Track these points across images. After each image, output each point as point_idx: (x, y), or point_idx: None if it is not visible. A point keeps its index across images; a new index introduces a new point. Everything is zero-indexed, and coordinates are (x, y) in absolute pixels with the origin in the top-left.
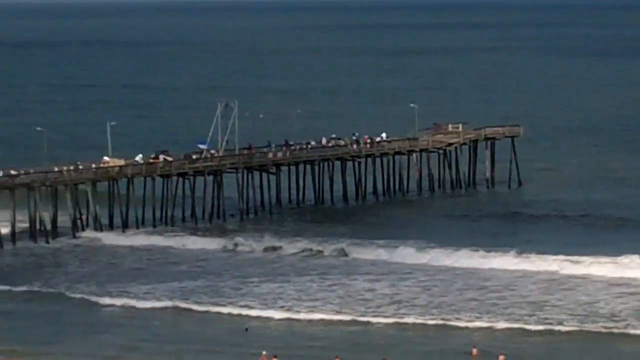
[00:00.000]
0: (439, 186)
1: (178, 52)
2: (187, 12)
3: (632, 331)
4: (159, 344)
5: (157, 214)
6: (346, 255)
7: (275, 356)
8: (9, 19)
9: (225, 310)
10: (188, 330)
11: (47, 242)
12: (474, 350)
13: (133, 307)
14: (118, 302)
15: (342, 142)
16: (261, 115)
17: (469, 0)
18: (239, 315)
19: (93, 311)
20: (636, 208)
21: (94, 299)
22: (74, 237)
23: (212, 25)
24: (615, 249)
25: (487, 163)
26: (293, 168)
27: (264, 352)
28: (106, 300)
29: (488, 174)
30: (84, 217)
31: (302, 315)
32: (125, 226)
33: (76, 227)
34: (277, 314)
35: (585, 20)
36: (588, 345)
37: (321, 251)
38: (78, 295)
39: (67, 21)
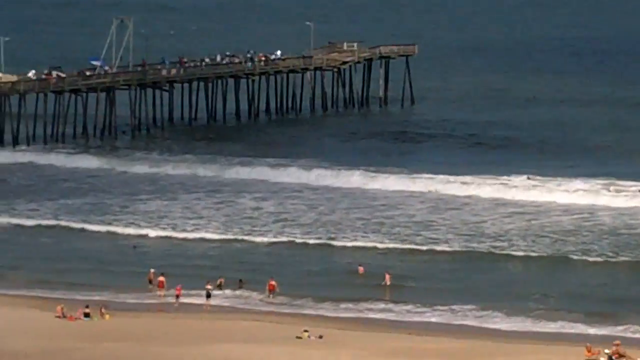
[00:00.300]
0: (332, 105)
1: None
2: None
3: (516, 252)
4: (45, 263)
5: (49, 131)
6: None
7: (162, 274)
8: None
9: (111, 228)
10: (74, 247)
11: None
12: (360, 269)
13: (18, 225)
14: (2, 219)
15: (236, 60)
16: (172, 32)
17: None
18: (126, 234)
19: None
20: (524, 129)
21: None
22: None
23: None
24: (502, 170)
25: (381, 82)
26: (186, 85)
27: (151, 270)
28: None
29: (382, 93)
30: None
31: (187, 234)
32: (15, 142)
33: None
34: (163, 232)
35: None
36: (474, 264)
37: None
38: None
39: None
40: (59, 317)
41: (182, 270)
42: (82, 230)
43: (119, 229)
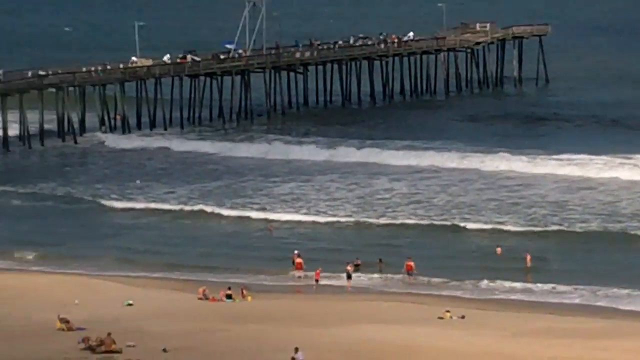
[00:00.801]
0: (466, 85)
1: None
2: None
3: None
4: (182, 246)
5: (185, 115)
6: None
7: (299, 255)
8: None
9: (246, 212)
10: (211, 231)
11: (76, 143)
12: (498, 250)
13: (156, 209)
14: (140, 205)
15: (369, 42)
16: (275, 13)
17: None
18: (261, 218)
19: (109, 214)
20: None
21: (112, 203)
22: (101, 138)
23: None
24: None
25: (515, 62)
26: (320, 68)
27: (295, 252)
28: (125, 203)
29: (515, 73)
30: (119, 115)
31: (322, 217)
32: (152, 126)
33: (104, 127)
34: (298, 216)
35: None
36: (610, 246)
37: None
38: (99, 198)
39: None
40: (201, 298)
41: (318, 253)
42: (218, 214)
43: (254, 213)
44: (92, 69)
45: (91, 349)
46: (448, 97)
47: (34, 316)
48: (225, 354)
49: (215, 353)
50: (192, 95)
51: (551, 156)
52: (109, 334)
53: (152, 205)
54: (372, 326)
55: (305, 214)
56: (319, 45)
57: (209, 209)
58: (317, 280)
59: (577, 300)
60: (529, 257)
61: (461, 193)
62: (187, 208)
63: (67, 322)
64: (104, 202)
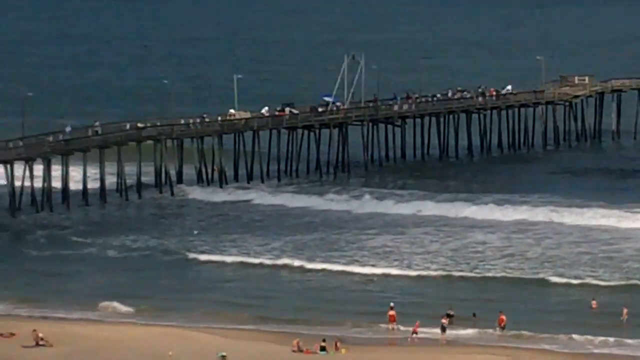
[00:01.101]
0: (564, 139)
1: (297, 4)
2: None
3: None
4: (275, 300)
5: (282, 167)
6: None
7: (392, 308)
8: None
9: (339, 267)
10: (305, 285)
11: (172, 195)
12: (594, 303)
13: (249, 263)
14: (231, 258)
15: (467, 95)
16: (374, 66)
17: None
18: (355, 272)
19: (201, 267)
20: None
21: (205, 256)
22: (197, 190)
23: None
24: None
25: (613, 115)
26: (418, 121)
27: (391, 304)
28: (217, 257)
29: (614, 127)
30: (217, 168)
31: (413, 271)
32: (250, 179)
33: (202, 179)
34: (391, 269)
35: None
36: None
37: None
38: (192, 251)
39: None
40: (295, 351)
41: (412, 307)
42: (313, 269)
43: (347, 267)
44: (190, 121)
45: None
46: (546, 150)
47: None
48: None
49: None
50: (290, 148)
51: None
52: None
53: (244, 259)
54: None
55: (398, 267)
56: (417, 98)
57: (299, 262)
58: (415, 333)
59: None
60: (625, 311)
61: (553, 246)
62: (279, 262)
63: None
64: (196, 255)
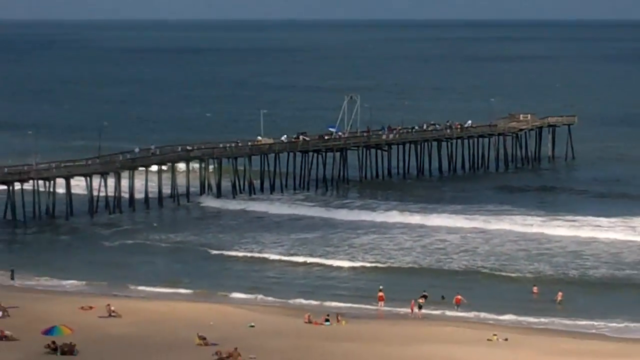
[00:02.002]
0: (512, 162)
1: (307, 59)
2: (310, 28)
3: None
4: (292, 286)
5: (297, 182)
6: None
7: (381, 290)
8: (179, 32)
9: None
10: (310, 273)
11: (213, 202)
12: (535, 289)
13: (267, 258)
14: (255, 254)
15: (438, 127)
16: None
17: (532, 20)
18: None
19: (233, 260)
20: None
21: (237, 252)
22: (232, 199)
23: (329, 38)
24: None
25: (549, 144)
26: (400, 147)
27: (380, 287)
28: (244, 253)
29: (550, 153)
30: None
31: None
32: (272, 191)
33: (235, 191)
34: (378, 264)
35: (623, 35)
36: (616, 289)
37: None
38: (226, 246)
39: (224, 34)
40: (306, 322)
41: (395, 289)
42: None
43: (342, 262)
44: (227, 145)
45: (222, 359)
46: (497, 171)
47: (178, 334)
48: None
49: None
50: (302, 167)
51: (566, 217)
52: (235, 349)
53: (263, 255)
54: (436, 345)
55: (381, 259)
56: (399, 129)
57: (304, 256)
58: (413, 310)
59: (593, 330)
60: (560, 294)
61: (499, 245)
62: (291, 254)
63: (204, 339)
64: (228, 251)
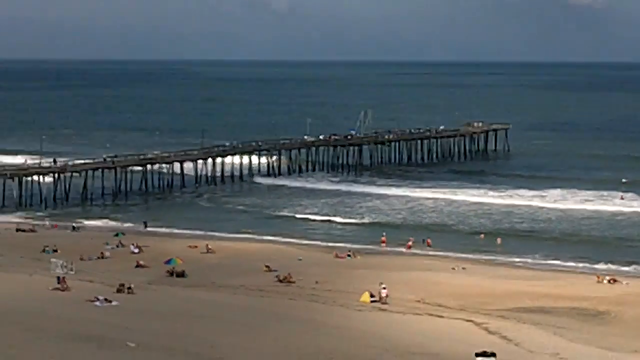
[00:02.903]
0: (468, 154)
1: (333, 85)
2: (331, 66)
3: None
4: (326, 234)
5: (329, 167)
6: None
7: (384, 236)
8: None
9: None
10: (332, 228)
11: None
12: (499, 240)
13: (310, 218)
14: (299, 214)
15: (422, 130)
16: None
17: (484, 61)
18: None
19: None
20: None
21: (285, 211)
22: (284, 177)
23: (344, 72)
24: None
25: (493, 143)
26: (397, 144)
27: (383, 233)
28: (287, 212)
29: (493, 148)
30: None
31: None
32: (313, 171)
33: (288, 172)
34: (378, 219)
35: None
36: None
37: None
38: (279, 209)
39: (281, 70)
40: (334, 257)
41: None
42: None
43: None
44: (284, 141)
45: (280, 281)
46: (459, 161)
47: (252, 264)
48: (344, 283)
49: (339, 283)
50: (332, 157)
51: (502, 190)
52: (289, 274)
53: (307, 215)
54: (421, 272)
55: (380, 217)
56: (396, 132)
57: (327, 215)
58: (409, 248)
59: (520, 263)
60: (499, 239)
61: (453, 209)
62: (324, 218)
63: (268, 267)
64: (280, 212)
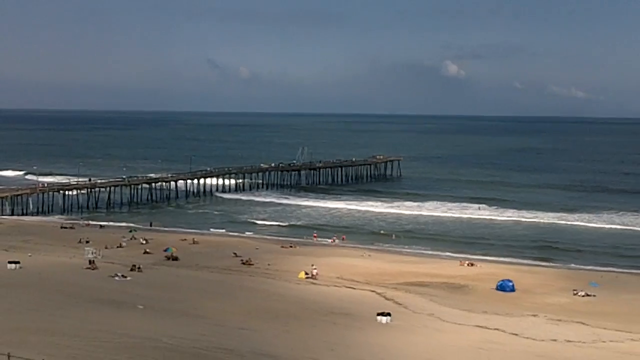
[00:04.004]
0: (373, 177)
1: (282, 130)
2: (284, 117)
3: None
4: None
5: (273, 186)
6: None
7: (315, 231)
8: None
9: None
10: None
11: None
12: (383, 231)
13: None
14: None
15: (342, 160)
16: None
17: (385, 114)
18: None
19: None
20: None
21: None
22: (244, 192)
23: (288, 121)
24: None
25: (390, 170)
26: (324, 170)
27: (315, 232)
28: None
29: (389, 173)
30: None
31: (304, 222)
32: (266, 189)
33: (245, 189)
34: (299, 222)
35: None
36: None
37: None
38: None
39: (251, 118)
40: (281, 247)
41: (321, 231)
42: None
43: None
44: (245, 167)
45: (243, 263)
46: (367, 182)
47: (225, 252)
48: (287, 265)
49: (284, 265)
50: (279, 179)
51: (394, 203)
52: (249, 259)
53: (256, 220)
54: (341, 258)
55: (310, 221)
56: (325, 161)
57: (275, 222)
58: (334, 240)
59: (410, 251)
60: (394, 235)
61: (362, 215)
62: (268, 222)
63: (235, 254)
64: (241, 216)
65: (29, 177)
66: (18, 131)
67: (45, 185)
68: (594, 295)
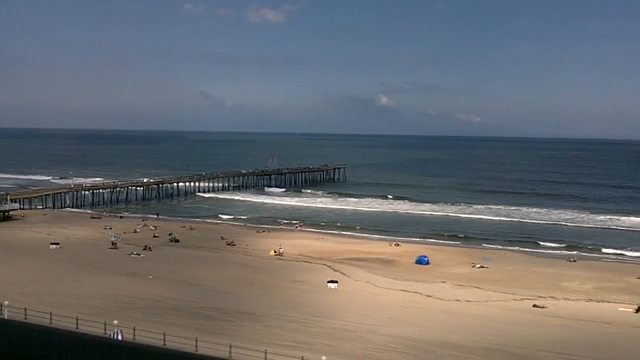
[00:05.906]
0: (325, 181)
1: (259, 145)
2: (257, 135)
3: None
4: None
5: (251, 187)
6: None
7: (283, 220)
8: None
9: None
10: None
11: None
12: (338, 223)
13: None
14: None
15: (301, 167)
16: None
17: (340, 133)
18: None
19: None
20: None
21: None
22: (222, 192)
23: (258, 138)
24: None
25: (338, 174)
26: (289, 175)
27: (284, 220)
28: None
29: (337, 177)
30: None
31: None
32: (241, 189)
33: (224, 190)
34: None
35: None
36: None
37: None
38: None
39: (229, 136)
40: (257, 232)
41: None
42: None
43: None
44: (224, 173)
45: (228, 244)
46: (320, 184)
47: (213, 236)
48: (261, 245)
49: (258, 245)
50: (254, 182)
51: (338, 200)
52: (232, 240)
53: (234, 215)
54: (302, 240)
55: (275, 213)
56: (289, 168)
57: (245, 216)
58: (300, 226)
59: (358, 235)
60: (338, 224)
61: (313, 208)
62: (241, 217)
63: (222, 237)
64: (218, 211)
65: (64, 180)
66: (60, 145)
67: (79, 185)
68: (487, 267)
